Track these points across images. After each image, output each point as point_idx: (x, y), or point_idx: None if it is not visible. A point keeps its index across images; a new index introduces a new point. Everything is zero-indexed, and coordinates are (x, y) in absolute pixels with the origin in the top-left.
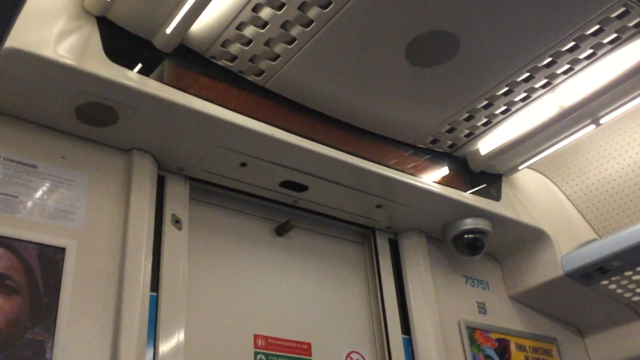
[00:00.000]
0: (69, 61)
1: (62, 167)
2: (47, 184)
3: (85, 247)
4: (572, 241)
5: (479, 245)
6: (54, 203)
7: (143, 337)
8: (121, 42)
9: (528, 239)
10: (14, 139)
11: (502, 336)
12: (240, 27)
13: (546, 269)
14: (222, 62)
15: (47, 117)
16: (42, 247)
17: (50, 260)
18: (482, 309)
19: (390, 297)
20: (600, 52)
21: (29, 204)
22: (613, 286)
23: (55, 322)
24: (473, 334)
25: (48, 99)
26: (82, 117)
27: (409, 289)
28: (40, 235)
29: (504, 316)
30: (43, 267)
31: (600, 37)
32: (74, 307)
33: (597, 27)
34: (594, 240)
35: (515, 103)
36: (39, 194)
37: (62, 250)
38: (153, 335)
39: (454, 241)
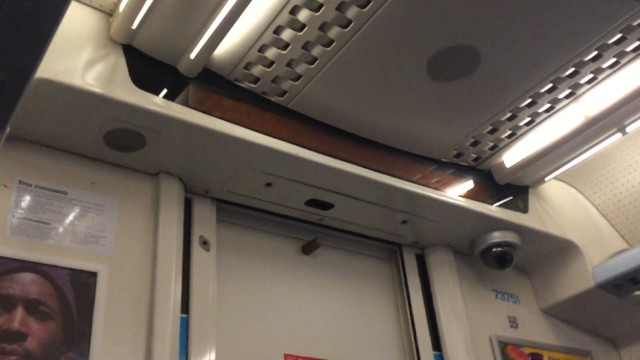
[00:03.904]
0: (96, 89)
1: (92, 193)
2: (78, 210)
3: (116, 271)
4: (602, 252)
5: (507, 258)
6: (84, 228)
7: (175, 359)
8: (147, 69)
9: (557, 250)
10: (44, 166)
11: (535, 350)
12: (262, 49)
13: (577, 280)
14: (245, 84)
15: (76, 144)
16: (74, 272)
17: (82, 285)
18: (513, 323)
19: (419, 313)
20: (623, 61)
21: (61, 229)
22: None
23: (89, 346)
24: (505, 349)
25: (77, 126)
26: (110, 143)
27: (438, 304)
28: (72, 261)
29: (536, 330)
30: (76, 292)
31: (623, 45)
32: (106, 331)
33: (619, 35)
34: (625, 250)
35: (539, 114)
36: (69, 219)
37: (94, 274)
38: (185, 357)
39: (482, 255)
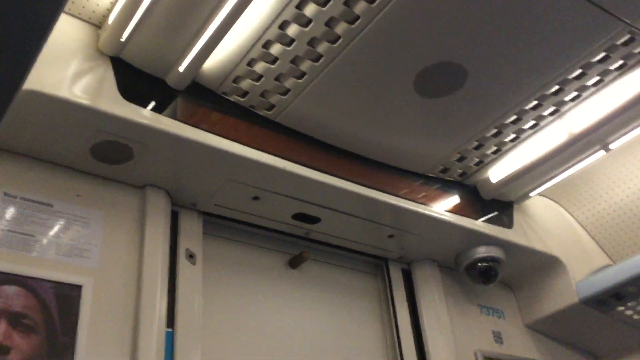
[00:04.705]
0: (84, 101)
1: (78, 205)
2: (63, 222)
3: (101, 284)
4: (586, 267)
5: (492, 273)
6: (69, 241)
7: None
8: (135, 81)
9: (542, 266)
10: (30, 178)
11: None
12: (251, 63)
13: (561, 296)
14: (234, 98)
15: (63, 157)
16: (58, 285)
17: (66, 298)
18: (498, 338)
19: (405, 328)
20: (607, 79)
21: (45, 242)
22: (629, 312)
23: None
24: None
25: (64, 138)
26: (97, 156)
27: (424, 319)
28: (56, 274)
29: (521, 345)
30: (60, 305)
31: (606, 64)
32: (90, 345)
33: (603, 54)
34: (608, 266)
35: (524, 131)
36: (54, 232)
37: (78, 287)
38: None
39: (467, 270)
